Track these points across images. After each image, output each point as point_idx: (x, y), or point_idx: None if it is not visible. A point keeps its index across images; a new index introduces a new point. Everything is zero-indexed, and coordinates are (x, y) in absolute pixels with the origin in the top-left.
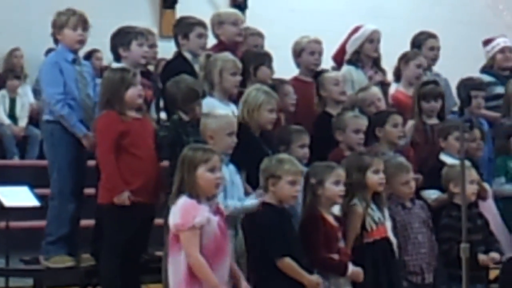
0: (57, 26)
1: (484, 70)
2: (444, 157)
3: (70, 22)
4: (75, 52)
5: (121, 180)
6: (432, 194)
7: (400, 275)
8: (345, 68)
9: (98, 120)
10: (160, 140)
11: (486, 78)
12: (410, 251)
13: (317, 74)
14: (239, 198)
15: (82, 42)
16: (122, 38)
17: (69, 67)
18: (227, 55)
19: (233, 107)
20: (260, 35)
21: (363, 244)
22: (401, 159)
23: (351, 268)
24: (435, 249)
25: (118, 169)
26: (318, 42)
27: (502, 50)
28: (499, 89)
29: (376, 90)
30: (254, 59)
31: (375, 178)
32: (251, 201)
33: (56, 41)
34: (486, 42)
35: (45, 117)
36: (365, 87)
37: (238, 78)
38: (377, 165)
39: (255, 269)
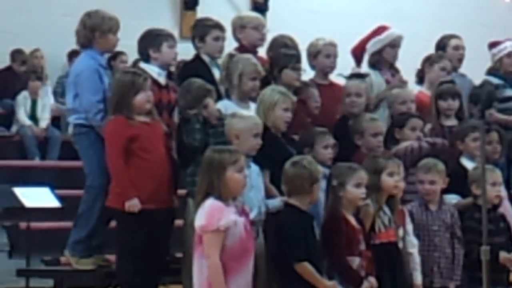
0: (105, 30)
1: (491, 72)
2: (464, 161)
3: (115, 27)
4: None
5: (131, 185)
6: (452, 199)
7: (406, 282)
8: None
9: (106, 125)
10: (189, 143)
11: (494, 80)
12: (421, 252)
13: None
14: (259, 201)
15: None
16: (153, 40)
17: (105, 73)
18: (249, 58)
19: (252, 108)
20: (333, 45)
21: (370, 246)
22: (429, 160)
23: (365, 284)
24: (458, 258)
25: (128, 174)
26: (333, 45)
27: (510, 54)
28: (508, 92)
29: (411, 91)
30: (278, 62)
31: (390, 181)
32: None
33: (84, 44)
34: (493, 45)
35: (79, 121)
36: (400, 84)
37: (258, 83)
38: (392, 167)
39: (275, 271)
